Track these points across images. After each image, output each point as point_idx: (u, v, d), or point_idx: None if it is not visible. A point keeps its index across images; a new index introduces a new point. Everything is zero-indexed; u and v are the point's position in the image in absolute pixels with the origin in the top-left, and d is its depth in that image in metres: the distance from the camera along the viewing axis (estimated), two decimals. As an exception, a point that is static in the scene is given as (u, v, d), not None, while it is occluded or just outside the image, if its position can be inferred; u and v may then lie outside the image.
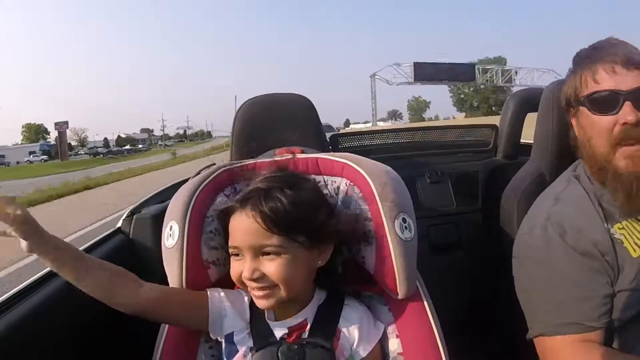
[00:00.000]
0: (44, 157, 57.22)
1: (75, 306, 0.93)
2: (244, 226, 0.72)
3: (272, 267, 0.71)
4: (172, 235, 0.79)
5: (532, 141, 1.18)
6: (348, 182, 0.86)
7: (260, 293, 0.72)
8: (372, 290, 0.85)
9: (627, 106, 0.78)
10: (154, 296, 0.75)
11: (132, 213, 1.31)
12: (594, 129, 0.83)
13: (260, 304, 0.74)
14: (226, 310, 0.79)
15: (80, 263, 0.71)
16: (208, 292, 0.80)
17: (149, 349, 0.79)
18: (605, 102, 0.80)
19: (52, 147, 61.06)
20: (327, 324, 0.77)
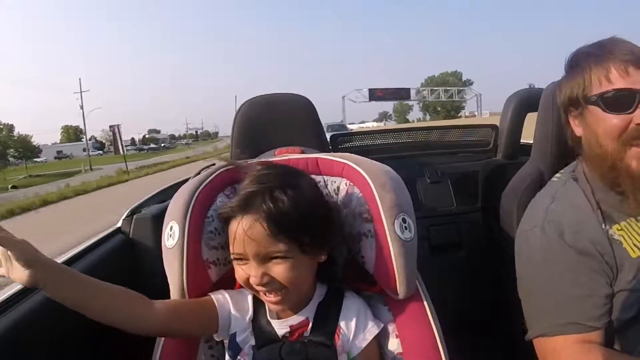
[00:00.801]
0: (100, 152, 71.17)
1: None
2: (247, 233, 0.69)
3: (280, 270, 0.70)
4: (172, 235, 0.79)
5: (532, 141, 1.18)
6: (348, 182, 0.86)
7: (273, 298, 0.72)
8: (372, 290, 0.85)
9: None
10: (166, 315, 0.73)
11: (132, 213, 1.31)
12: (606, 127, 0.81)
13: (275, 307, 0.75)
14: (232, 312, 0.79)
15: (84, 291, 0.67)
16: (213, 297, 0.79)
17: (148, 349, 0.79)
18: (621, 101, 0.79)
19: (99, 144, 77.05)
20: (328, 321, 0.77)
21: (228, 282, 0.81)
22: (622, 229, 0.83)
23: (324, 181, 0.89)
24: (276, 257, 0.70)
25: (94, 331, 0.93)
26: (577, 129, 0.89)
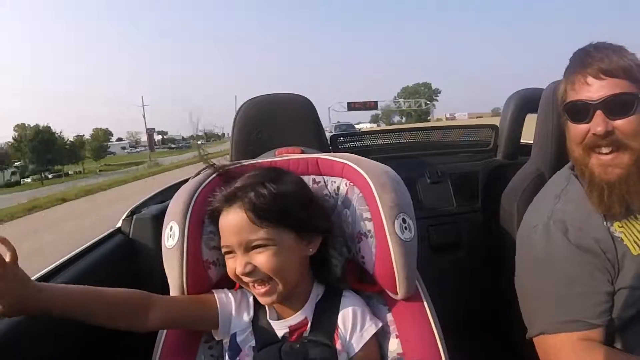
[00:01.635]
0: (137, 150, 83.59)
1: None
2: (231, 224, 0.73)
3: (262, 259, 0.72)
4: (172, 235, 0.79)
5: (532, 141, 1.18)
6: (348, 182, 0.86)
7: (261, 289, 0.73)
8: (372, 290, 0.85)
9: (598, 116, 0.81)
10: (167, 311, 0.76)
11: (132, 213, 1.31)
12: (571, 135, 0.88)
13: (264, 300, 0.75)
14: (233, 311, 0.80)
15: (86, 307, 0.70)
16: (215, 294, 0.81)
17: (148, 349, 0.79)
18: (579, 112, 0.84)
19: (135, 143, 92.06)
20: (326, 320, 0.78)
21: (228, 282, 0.81)
22: (622, 227, 0.84)
23: (324, 181, 0.89)
24: (258, 246, 0.72)
25: (94, 331, 0.93)
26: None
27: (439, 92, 76.88)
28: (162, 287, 0.81)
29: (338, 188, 0.87)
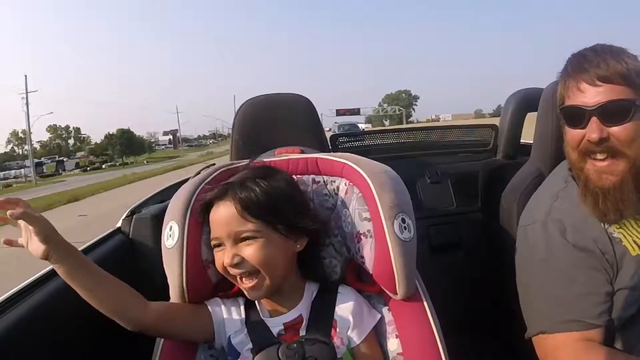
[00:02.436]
0: (163, 147, 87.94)
1: (74, 307, 0.93)
2: (221, 216, 0.75)
3: (249, 251, 0.73)
4: (172, 235, 0.79)
5: (532, 141, 1.18)
6: (347, 182, 0.86)
7: (248, 283, 0.74)
8: (372, 290, 0.85)
9: (594, 122, 0.80)
10: (160, 311, 0.77)
11: (132, 213, 1.31)
12: (567, 139, 0.87)
13: (251, 295, 0.76)
14: (224, 314, 0.81)
15: (93, 277, 0.72)
16: (207, 304, 0.82)
17: (148, 350, 0.79)
18: (574, 117, 0.83)
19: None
20: (323, 317, 0.78)
21: (228, 282, 0.81)
22: (620, 227, 0.84)
23: (324, 181, 0.89)
24: (246, 238, 0.73)
25: (93, 333, 0.93)
26: None
27: (418, 98, 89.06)
28: (162, 286, 0.81)
29: (338, 188, 0.87)
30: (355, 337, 0.77)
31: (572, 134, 0.85)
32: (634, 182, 0.80)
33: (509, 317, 1.01)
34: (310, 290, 0.81)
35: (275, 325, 0.78)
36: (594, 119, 0.80)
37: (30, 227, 0.67)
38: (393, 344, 0.80)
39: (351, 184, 0.85)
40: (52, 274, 0.97)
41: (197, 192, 0.82)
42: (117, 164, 52.92)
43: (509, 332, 1.09)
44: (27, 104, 34.79)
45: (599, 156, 0.81)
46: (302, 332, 0.77)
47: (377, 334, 0.81)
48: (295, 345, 0.74)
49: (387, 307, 0.84)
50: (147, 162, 48.90)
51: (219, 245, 0.76)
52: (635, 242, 0.82)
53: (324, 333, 0.76)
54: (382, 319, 0.82)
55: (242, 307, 0.82)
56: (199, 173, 0.89)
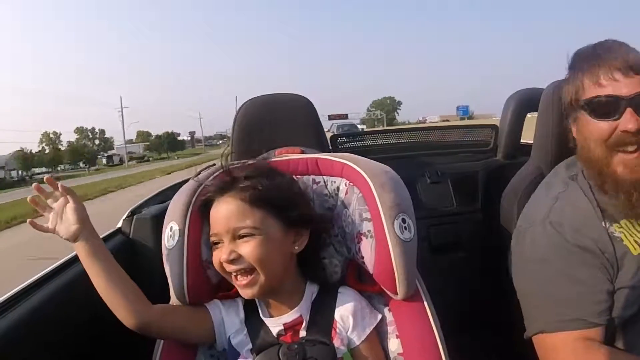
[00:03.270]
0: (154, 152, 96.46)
1: (74, 307, 0.93)
2: (221, 212, 0.75)
3: (247, 247, 0.73)
4: (172, 235, 0.80)
5: (532, 141, 1.18)
6: (347, 182, 0.86)
7: (243, 280, 0.74)
8: (372, 290, 0.85)
9: (629, 112, 0.78)
10: (162, 310, 0.78)
11: (133, 213, 1.31)
12: (593, 133, 0.83)
13: (245, 293, 0.75)
14: (223, 315, 0.81)
15: (109, 262, 0.77)
16: (207, 305, 0.82)
17: (148, 351, 0.79)
18: (606, 108, 0.80)
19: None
20: (323, 318, 0.78)
21: (228, 283, 0.81)
22: (621, 227, 0.83)
23: (324, 181, 0.89)
24: (245, 235, 0.73)
25: (93, 335, 0.93)
26: (574, 131, 0.91)
27: (401, 104, 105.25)
28: (162, 287, 0.82)
29: (338, 188, 0.87)
30: (356, 338, 0.77)
31: (600, 127, 0.81)
32: None
33: (509, 317, 1.02)
34: (311, 291, 0.81)
35: (275, 325, 0.78)
36: (629, 110, 0.77)
37: (71, 205, 0.76)
38: (393, 344, 0.80)
39: (351, 184, 0.85)
40: (52, 274, 0.97)
41: (197, 192, 0.82)
42: (158, 158, 71.06)
43: (509, 332, 1.09)
44: (122, 114, 59.73)
45: (630, 148, 0.79)
46: (303, 333, 0.77)
47: (378, 334, 0.81)
48: (295, 346, 0.74)
49: (387, 307, 0.84)
50: (177, 157, 62.54)
51: (217, 242, 0.76)
52: (636, 241, 0.82)
53: (325, 334, 0.76)
54: (382, 319, 0.82)
55: (242, 308, 0.82)
56: (199, 174, 0.89)
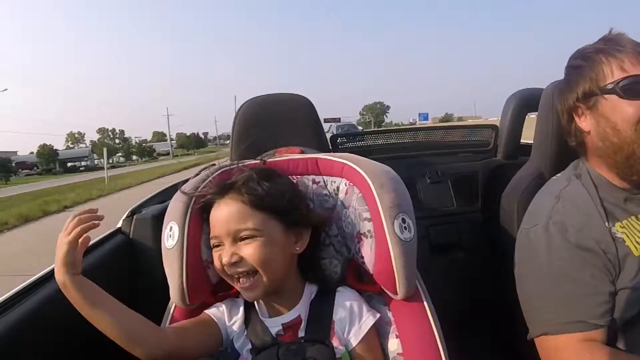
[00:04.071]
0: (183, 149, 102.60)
1: (72, 309, 0.93)
2: (222, 214, 0.75)
3: (249, 250, 0.72)
4: (172, 235, 0.79)
5: (532, 141, 1.18)
6: (347, 182, 0.86)
7: (245, 283, 0.74)
8: (372, 290, 0.85)
9: None
10: (174, 334, 0.75)
11: (132, 213, 1.31)
12: (623, 115, 0.82)
13: (247, 295, 0.75)
14: (226, 319, 0.81)
15: (108, 306, 0.71)
16: (209, 313, 0.81)
17: None
18: (637, 88, 0.80)
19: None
20: (322, 318, 0.78)
21: (228, 283, 0.81)
22: (624, 227, 0.83)
23: (324, 181, 0.89)
24: (246, 237, 0.73)
25: (93, 333, 0.93)
26: (586, 124, 0.89)
27: (389, 108, 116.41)
28: (163, 287, 0.82)
29: (338, 188, 0.87)
30: (354, 338, 0.77)
31: (631, 108, 0.80)
32: None
33: (509, 317, 1.02)
34: (310, 291, 0.81)
35: (274, 325, 0.78)
36: None
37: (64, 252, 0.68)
38: (393, 344, 0.80)
39: (351, 184, 0.85)
40: (48, 276, 0.96)
41: (197, 192, 0.82)
42: (186, 153, 79.14)
43: (509, 332, 1.09)
44: (167, 120, 72.11)
45: None
46: (301, 333, 0.77)
47: (377, 334, 0.81)
48: (294, 346, 0.74)
49: (387, 307, 0.84)
50: (195, 153, 71.73)
51: (218, 245, 0.76)
52: (638, 242, 0.82)
53: (323, 334, 0.76)
54: (382, 319, 0.82)
55: (241, 308, 0.82)
56: (199, 173, 0.89)
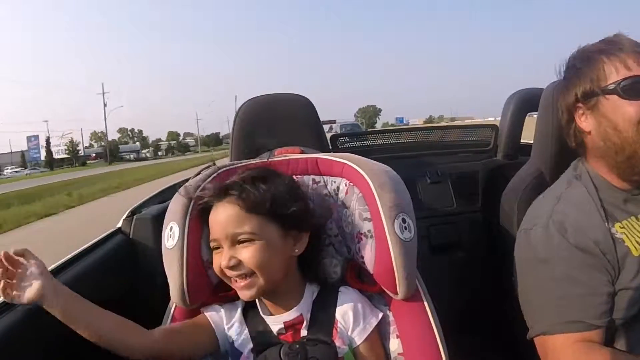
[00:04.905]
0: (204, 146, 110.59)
1: None
2: (220, 217, 0.74)
3: (247, 253, 0.72)
4: (172, 236, 0.79)
5: (532, 141, 1.18)
6: (348, 182, 0.86)
7: (242, 283, 0.74)
8: (372, 290, 0.85)
9: None
10: (161, 336, 0.76)
11: (133, 213, 1.31)
12: (624, 114, 0.82)
13: (243, 294, 0.75)
14: (225, 319, 0.81)
15: (90, 314, 0.72)
16: (206, 315, 0.81)
17: None
18: (639, 88, 0.80)
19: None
20: (324, 317, 0.78)
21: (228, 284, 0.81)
22: (623, 227, 0.83)
23: (324, 181, 0.89)
24: (244, 241, 0.73)
25: (86, 341, 0.93)
26: (586, 124, 0.89)
27: (381, 111, 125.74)
28: (162, 287, 0.81)
29: (338, 188, 0.87)
30: (357, 337, 0.77)
31: (633, 108, 0.81)
32: None
33: (509, 317, 1.02)
34: (311, 291, 0.81)
35: (275, 323, 0.78)
36: None
37: (27, 267, 0.70)
38: (394, 344, 0.80)
39: (351, 184, 0.85)
40: (53, 273, 0.96)
41: (197, 192, 0.82)
42: (206, 150, 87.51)
43: (509, 331, 1.09)
44: (197, 124, 78.46)
45: None
46: (304, 332, 0.77)
47: (379, 334, 0.81)
48: (297, 345, 0.74)
49: (387, 307, 0.84)
50: (212, 150, 79.77)
51: (217, 247, 0.75)
52: (637, 242, 0.82)
53: (326, 333, 0.76)
54: (382, 319, 0.82)
55: (239, 310, 0.81)
56: (199, 173, 0.89)
